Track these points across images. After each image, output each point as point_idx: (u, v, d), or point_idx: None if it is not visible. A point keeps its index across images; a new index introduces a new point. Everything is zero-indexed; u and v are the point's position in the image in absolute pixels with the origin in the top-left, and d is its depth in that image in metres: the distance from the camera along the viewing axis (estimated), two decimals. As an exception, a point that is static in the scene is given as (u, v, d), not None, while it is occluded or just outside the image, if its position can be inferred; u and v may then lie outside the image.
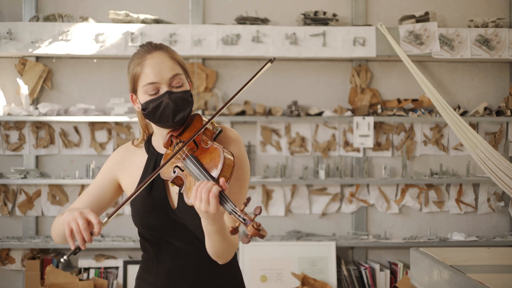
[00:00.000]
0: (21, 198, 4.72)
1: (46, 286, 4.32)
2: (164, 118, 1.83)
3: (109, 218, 1.66)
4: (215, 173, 1.65)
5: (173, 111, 1.81)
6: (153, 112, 1.83)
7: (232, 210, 1.53)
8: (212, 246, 1.72)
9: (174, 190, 1.88)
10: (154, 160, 1.92)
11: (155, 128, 1.95)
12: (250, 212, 1.73)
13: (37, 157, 4.77)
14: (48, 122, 4.73)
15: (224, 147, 1.71)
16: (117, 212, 1.68)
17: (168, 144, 1.85)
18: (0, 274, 4.76)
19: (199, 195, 1.57)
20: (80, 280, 4.39)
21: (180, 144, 1.79)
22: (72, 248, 1.64)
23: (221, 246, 1.71)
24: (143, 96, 1.83)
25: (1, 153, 4.73)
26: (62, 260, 1.63)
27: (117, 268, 4.61)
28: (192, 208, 1.73)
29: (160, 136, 1.93)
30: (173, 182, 1.75)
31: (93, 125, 4.77)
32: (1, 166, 4.72)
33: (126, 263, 4.58)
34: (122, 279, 4.57)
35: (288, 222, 4.90)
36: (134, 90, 1.87)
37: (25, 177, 4.58)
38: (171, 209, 1.87)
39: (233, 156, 1.70)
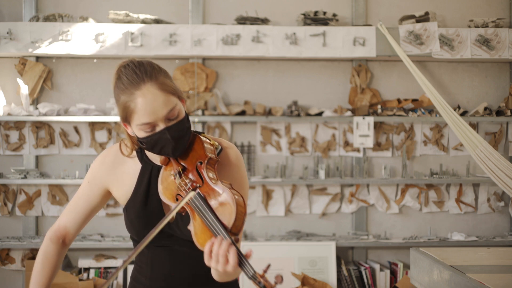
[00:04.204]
0: (21, 198, 4.72)
1: (46, 286, 4.32)
2: (164, 153, 1.75)
3: None
4: (226, 221, 1.58)
5: (173, 148, 1.72)
6: (151, 147, 1.74)
7: (252, 275, 1.50)
8: (218, 278, 1.70)
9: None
10: (149, 171, 1.84)
11: None
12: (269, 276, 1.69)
13: (37, 157, 4.77)
14: (48, 122, 4.73)
15: (232, 186, 1.65)
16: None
17: (166, 162, 1.78)
18: (0, 274, 4.76)
19: (215, 257, 1.53)
20: (80, 280, 4.39)
21: (186, 187, 1.70)
22: None
23: (228, 279, 1.69)
24: (139, 132, 1.73)
25: (1, 153, 4.73)
26: None
27: (117, 268, 4.61)
28: (188, 221, 1.71)
29: None
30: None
31: (93, 125, 4.77)
32: (1, 166, 4.72)
33: (126, 263, 4.58)
34: (122, 279, 4.57)
35: (288, 222, 4.90)
36: (126, 121, 1.75)
37: (25, 177, 4.58)
38: (168, 222, 1.80)
39: (243, 199, 1.62)
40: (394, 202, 4.93)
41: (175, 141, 1.71)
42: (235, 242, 1.55)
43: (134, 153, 1.89)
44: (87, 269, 4.57)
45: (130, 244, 4.55)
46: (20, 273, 4.75)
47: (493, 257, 2.82)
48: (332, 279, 4.54)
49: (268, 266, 1.50)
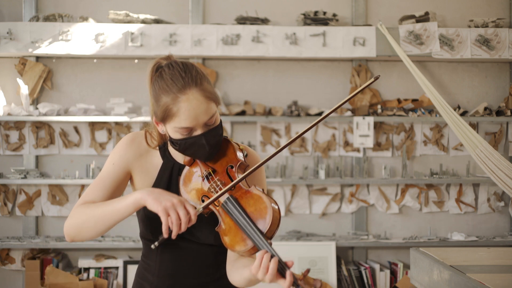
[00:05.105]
0: (21, 198, 4.72)
1: (46, 286, 4.32)
2: (197, 157, 1.77)
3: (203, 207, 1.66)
4: (262, 225, 1.62)
5: (208, 153, 1.74)
6: (183, 150, 1.75)
7: (295, 283, 1.57)
8: (241, 282, 1.72)
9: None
10: (170, 169, 1.84)
11: None
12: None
13: (37, 157, 4.77)
14: (48, 122, 4.72)
15: (264, 191, 1.67)
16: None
17: (190, 162, 1.78)
18: (0, 274, 4.76)
19: (263, 269, 1.56)
20: (80, 280, 4.39)
21: (217, 188, 1.71)
22: (166, 236, 1.62)
23: (250, 285, 1.71)
24: (174, 134, 1.73)
25: (1, 153, 4.73)
26: (152, 246, 1.64)
27: (117, 268, 4.61)
28: (208, 225, 1.72)
29: None
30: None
31: (93, 125, 4.77)
32: (1, 166, 4.72)
33: (126, 263, 4.58)
34: (122, 279, 4.57)
35: (288, 222, 4.90)
36: (163, 121, 1.74)
37: (25, 177, 4.57)
38: None
39: (278, 205, 1.68)
40: (394, 202, 4.93)
41: (210, 147, 1.73)
42: (271, 246, 1.58)
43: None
44: (87, 269, 4.57)
45: (130, 244, 4.55)
46: (20, 273, 4.75)
47: (493, 257, 2.82)
48: (332, 279, 4.54)
49: (308, 270, 1.53)
